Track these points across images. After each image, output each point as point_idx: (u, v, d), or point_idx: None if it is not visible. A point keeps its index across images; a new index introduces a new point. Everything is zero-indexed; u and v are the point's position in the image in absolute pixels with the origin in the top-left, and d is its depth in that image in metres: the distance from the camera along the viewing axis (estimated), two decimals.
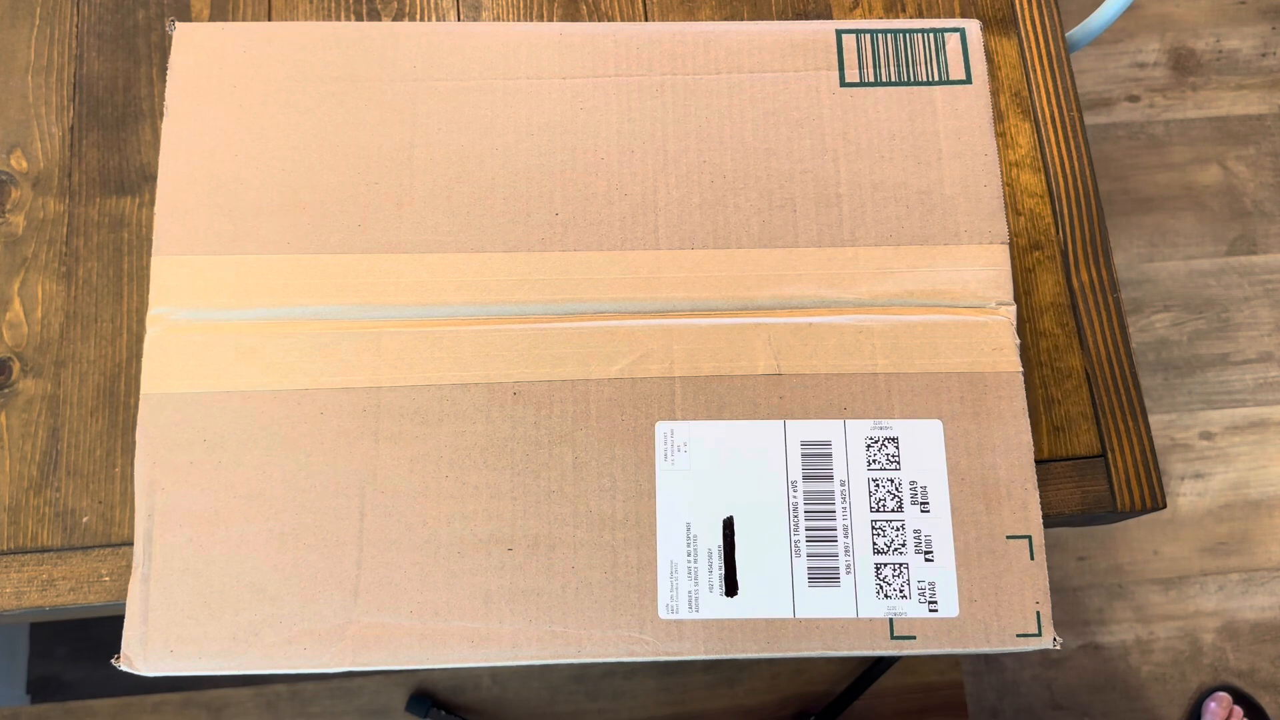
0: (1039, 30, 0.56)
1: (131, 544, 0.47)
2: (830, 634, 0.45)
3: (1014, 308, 0.49)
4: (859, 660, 1.04)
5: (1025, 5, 0.56)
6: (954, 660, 1.06)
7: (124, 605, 0.45)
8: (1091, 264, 0.52)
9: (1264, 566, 1.12)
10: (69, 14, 0.55)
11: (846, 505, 0.46)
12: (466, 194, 0.50)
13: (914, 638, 0.45)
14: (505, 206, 0.49)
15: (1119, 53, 1.27)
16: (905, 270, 0.49)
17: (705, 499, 0.46)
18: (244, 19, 0.56)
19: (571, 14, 0.56)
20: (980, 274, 0.49)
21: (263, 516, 0.45)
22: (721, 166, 0.50)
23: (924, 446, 0.47)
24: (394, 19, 0.56)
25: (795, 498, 0.46)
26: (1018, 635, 0.45)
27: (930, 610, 0.45)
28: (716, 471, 0.46)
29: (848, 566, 0.45)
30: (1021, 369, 0.48)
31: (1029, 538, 0.46)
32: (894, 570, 0.45)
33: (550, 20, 0.56)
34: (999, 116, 0.54)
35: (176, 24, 0.52)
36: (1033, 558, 0.45)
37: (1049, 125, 0.54)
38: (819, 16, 0.56)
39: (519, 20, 0.56)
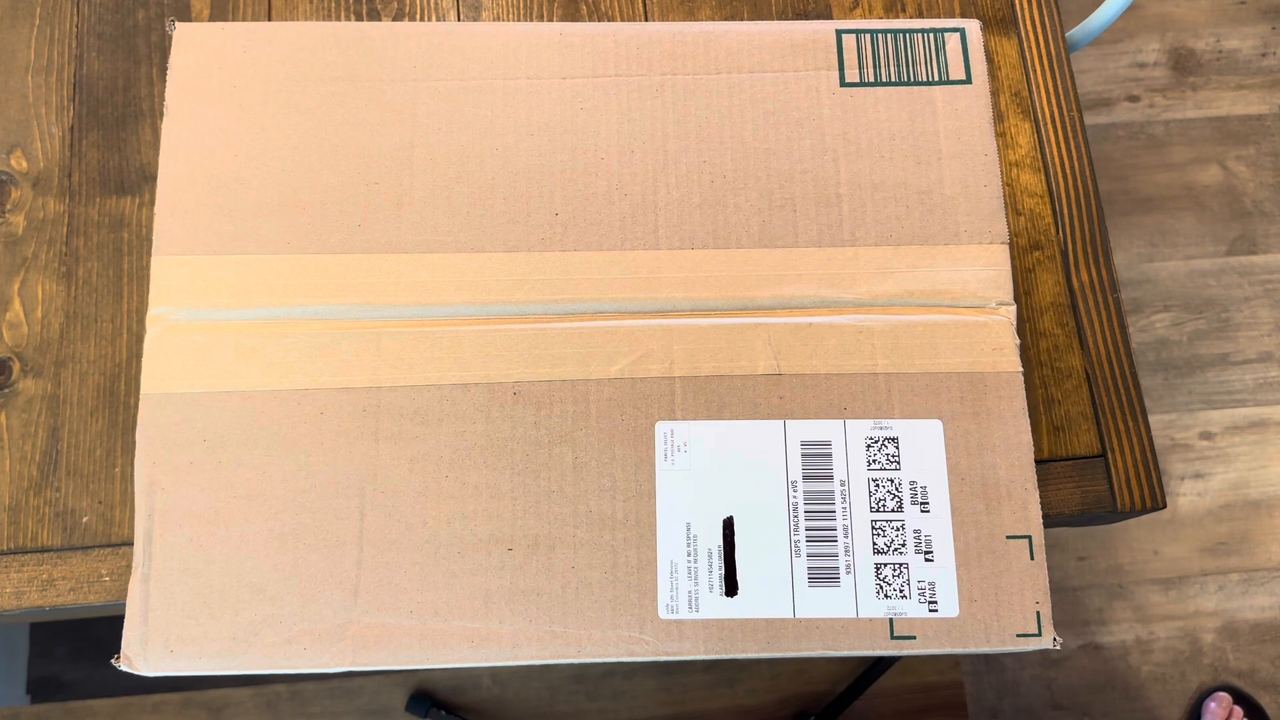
0: (1039, 30, 0.56)
1: (131, 544, 0.47)
2: (830, 634, 0.45)
3: (1014, 308, 0.49)
4: (859, 660, 1.04)
5: (1025, 5, 0.56)
6: (954, 660, 1.06)
7: (124, 605, 0.45)
8: (1091, 264, 0.52)
9: (1264, 566, 1.12)
10: (69, 14, 0.55)
11: (846, 505, 0.46)
12: (466, 194, 0.50)
13: (914, 638, 0.45)
14: (505, 206, 0.49)
15: (1119, 53, 1.27)
16: (905, 270, 0.49)
17: (705, 499, 0.46)
18: (244, 19, 0.56)
19: (571, 14, 0.56)
20: (980, 274, 0.49)
21: (263, 516, 0.45)
22: (721, 166, 0.50)
23: (924, 446, 0.47)
24: (394, 19, 0.56)
25: (795, 498, 0.46)
26: (1018, 635, 0.45)
27: (930, 610, 0.45)
28: (716, 471, 0.46)
29: (848, 566, 0.45)
30: (1021, 369, 0.48)
31: (1029, 538, 0.46)
32: (894, 570, 0.45)
33: (550, 20, 0.56)
34: (999, 116, 0.54)
35: (176, 24, 0.52)
36: (1033, 558, 0.45)
37: (1049, 125, 0.54)
38: (819, 16, 0.56)
39: (519, 20, 0.56)
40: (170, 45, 0.51)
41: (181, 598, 0.44)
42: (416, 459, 0.46)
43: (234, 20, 0.55)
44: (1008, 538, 0.46)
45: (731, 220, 0.50)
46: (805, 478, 0.46)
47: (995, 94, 0.55)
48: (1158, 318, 1.19)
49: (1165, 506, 0.50)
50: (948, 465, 0.46)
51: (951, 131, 0.51)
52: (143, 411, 0.46)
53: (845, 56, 0.52)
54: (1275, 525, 1.13)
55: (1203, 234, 1.21)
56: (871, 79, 0.52)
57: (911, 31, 0.53)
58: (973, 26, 0.53)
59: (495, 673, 1.02)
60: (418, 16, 0.56)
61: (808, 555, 0.45)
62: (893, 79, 0.52)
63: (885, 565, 0.45)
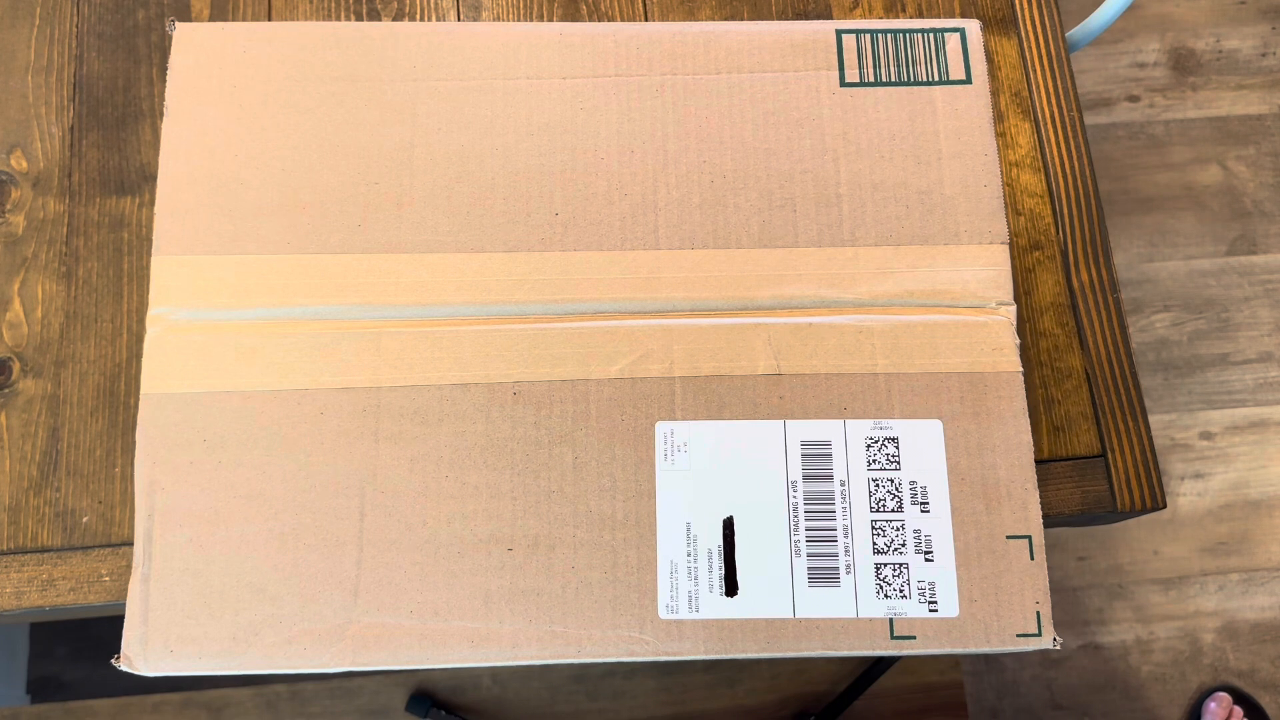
0: (1039, 30, 0.56)
1: (131, 544, 0.47)
2: (830, 634, 0.45)
3: (1014, 308, 0.49)
4: (859, 660, 1.04)
5: (1025, 5, 0.56)
6: (954, 660, 1.06)
7: (124, 605, 0.45)
8: (1091, 264, 0.52)
9: (1264, 566, 1.12)
10: (69, 14, 0.55)
11: (846, 505, 0.46)
12: (466, 194, 0.50)
13: (914, 638, 0.45)
14: (505, 206, 0.49)
15: (1119, 53, 1.27)
16: (905, 270, 0.49)
17: (705, 499, 0.46)
18: (244, 19, 0.56)
19: (571, 14, 0.56)
20: (980, 274, 0.49)
21: (263, 516, 0.45)
22: (721, 166, 0.50)
23: (924, 446, 0.47)
24: (394, 19, 0.56)
25: (795, 498, 0.46)
26: (1018, 635, 0.45)
27: (930, 610, 0.45)
28: (716, 471, 0.46)
29: (848, 566, 0.45)
30: (1021, 369, 0.48)
31: (1029, 538, 0.46)
32: (894, 570, 0.45)
33: (550, 20, 0.56)
34: (999, 116, 0.54)
35: (176, 24, 0.52)
36: (1033, 558, 0.45)
37: (1049, 125, 0.54)
38: (819, 16, 0.56)
39: (519, 20, 0.56)
40: (170, 45, 0.51)
41: (181, 598, 0.44)
42: (416, 459, 0.46)
43: (234, 20, 0.55)
44: (1008, 538, 0.46)
45: (731, 220, 0.50)
46: (805, 478, 0.46)
47: (995, 94, 0.55)
48: (1158, 318, 1.19)
49: (1165, 506, 0.50)
50: (948, 465, 0.46)
51: (951, 131, 0.51)
52: (143, 411, 0.46)
53: (845, 56, 0.52)
54: (1275, 525, 1.13)
55: (1203, 234, 1.21)
56: (871, 79, 0.52)
57: (911, 31, 0.53)
58: (973, 26, 0.53)
59: (495, 673, 1.02)
60: (418, 16, 0.56)
61: (808, 555, 0.45)
62: (893, 79, 0.52)
63: (885, 565, 0.45)
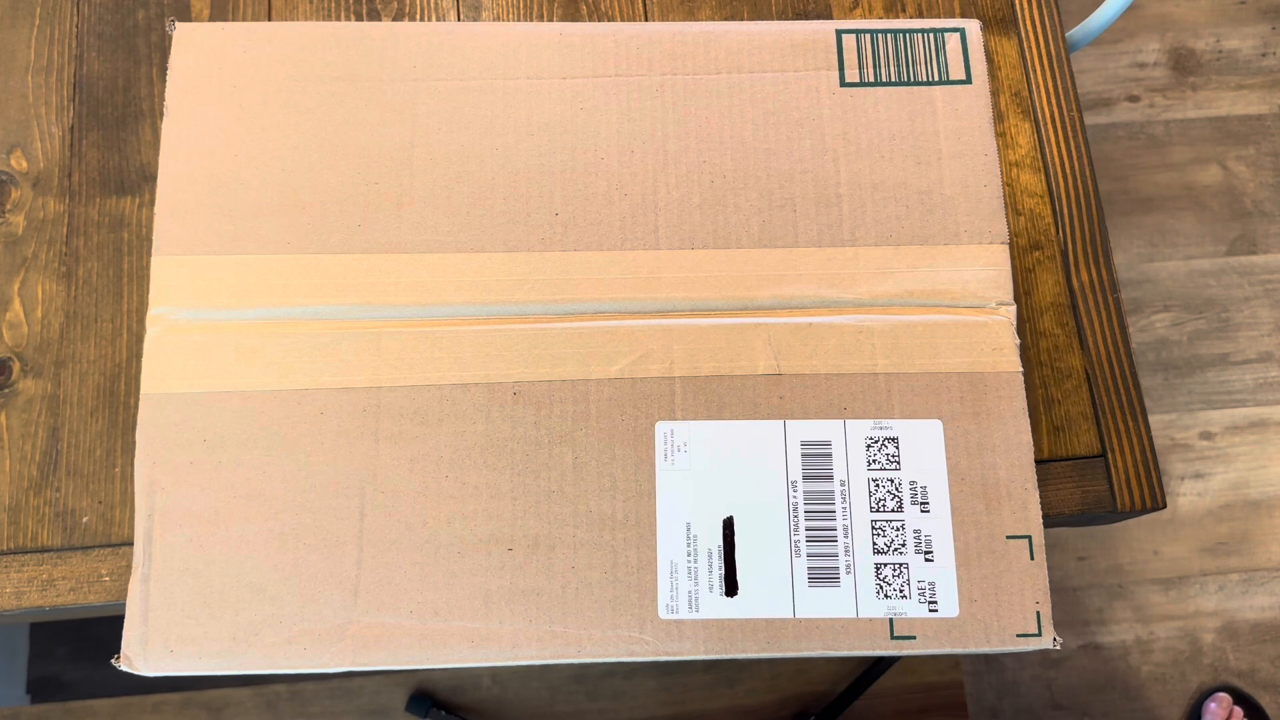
0: (1039, 30, 0.56)
1: (131, 544, 0.47)
2: (830, 634, 0.45)
3: (1014, 308, 0.49)
4: (859, 660, 1.04)
5: (1025, 5, 0.56)
6: (954, 660, 1.06)
7: (124, 605, 0.45)
8: (1091, 264, 0.52)
9: (1264, 566, 1.12)
10: (69, 14, 0.55)
11: (846, 505, 0.46)
12: (466, 194, 0.50)
13: (914, 638, 0.45)
14: (505, 206, 0.49)
15: (1119, 53, 1.27)
16: (905, 270, 0.49)
17: (705, 499, 0.46)
18: (244, 19, 0.56)
19: (571, 14, 0.56)
20: (980, 274, 0.49)
21: (263, 516, 0.45)
22: (721, 166, 0.50)
23: (924, 446, 0.47)
24: (394, 19, 0.56)
25: (795, 498, 0.46)
26: (1018, 635, 0.45)
27: (930, 610, 0.45)
28: (716, 471, 0.46)
29: (848, 566, 0.45)
30: (1021, 369, 0.48)
31: (1029, 538, 0.46)
32: (894, 570, 0.45)
33: (550, 20, 0.56)
34: (999, 116, 0.54)
35: (176, 24, 0.52)
36: (1033, 558, 0.45)
37: (1049, 125, 0.54)
38: (819, 16, 0.56)
39: (519, 20, 0.56)
40: (170, 45, 0.51)
41: (181, 598, 0.44)
42: (416, 459, 0.46)
43: (234, 20, 0.55)
44: (1008, 538, 0.46)
45: (731, 220, 0.50)
46: (805, 478, 0.46)
47: (995, 94, 0.55)
48: (1158, 318, 1.19)
49: (1165, 506, 0.50)
50: (948, 465, 0.46)
51: (951, 131, 0.51)
52: (143, 411, 0.46)
53: (845, 56, 0.52)
54: (1275, 525, 1.13)
55: (1203, 234, 1.21)
56: (871, 79, 0.52)
57: (911, 31, 0.53)
58: (973, 26, 0.53)
59: (495, 673, 1.02)
60: (418, 16, 0.56)
61: (808, 555, 0.45)
62: (893, 79, 0.52)
63: (885, 565, 0.45)
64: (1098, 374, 0.51)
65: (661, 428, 0.47)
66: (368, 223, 0.49)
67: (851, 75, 0.52)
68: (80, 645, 1.04)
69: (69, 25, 0.55)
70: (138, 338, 0.50)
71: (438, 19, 0.56)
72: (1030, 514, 0.46)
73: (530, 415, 0.47)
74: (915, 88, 0.52)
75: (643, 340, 0.48)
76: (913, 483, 0.46)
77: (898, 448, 0.47)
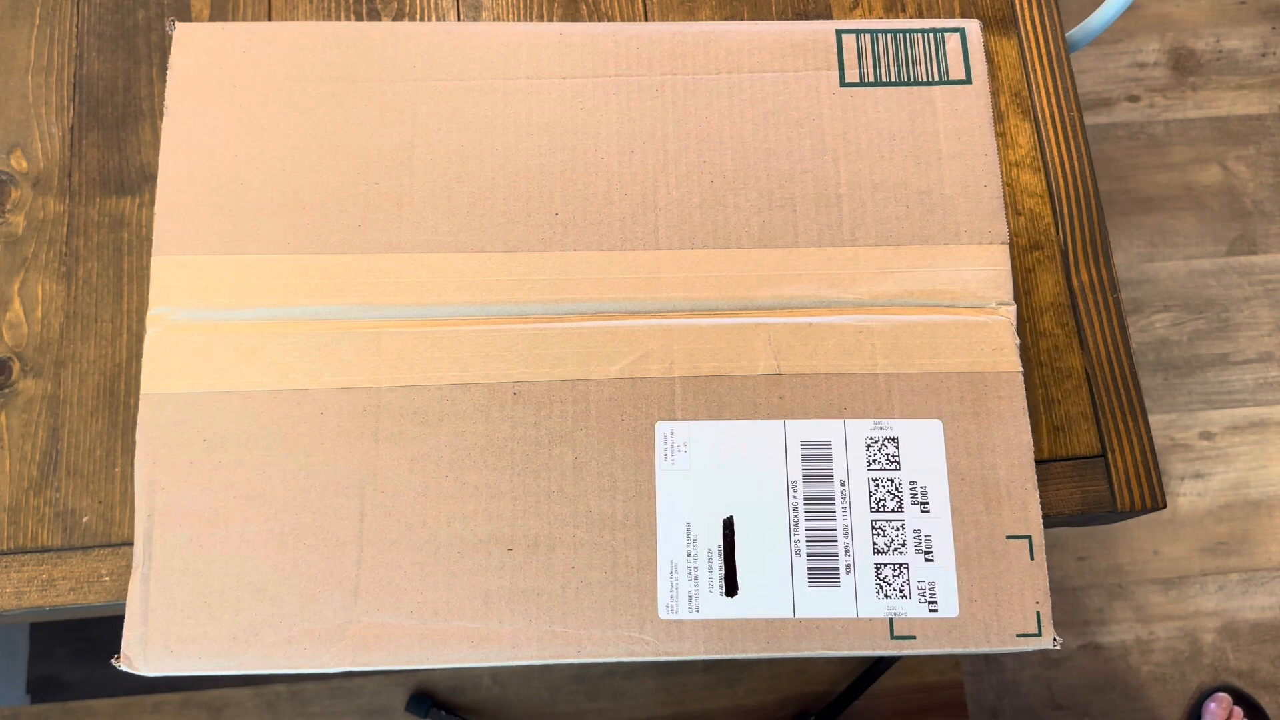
0: (1039, 30, 0.56)
1: (131, 544, 0.47)
2: (830, 634, 0.45)
3: (1014, 308, 0.49)
4: (859, 660, 1.04)
5: (1025, 5, 0.56)
6: (954, 660, 1.06)
7: (124, 605, 0.45)
8: (1091, 264, 0.52)
9: (1264, 566, 1.12)
10: (69, 14, 0.55)
11: (846, 505, 0.46)
12: (466, 194, 0.50)
13: (914, 638, 0.45)
14: (505, 206, 0.49)
15: (1119, 53, 1.27)
16: (905, 270, 0.49)
17: (705, 499, 0.46)
18: (244, 19, 0.56)
19: (571, 14, 0.56)
20: (980, 274, 0.49)
21: (263, 516, 0.45)
22: (721, 166, 0.50)
23: (924, 446, 0.47)
24: (394, 19, 0.56)
25: (795, 498, 0.46)
26: (1018, 635, 0.45)
27: (930, 610, 0.45)
28: (716, 471, 0.46)
29: (848, 566, 0.45)
30: (1021, 369, 0.48)
31: (1029, 538, 0.46)
32: (894, 570, 0.45)
33: (550, 20, 0.56)
34: (999, 116, 0.54)
35: (176, 24, 0.52)
36: (1033, 558, 0.45)
37: (1049, 125, 0.54)
38: (819, 16, 0.56)
39: (519, 20, 0.56)
40: (170, 45, 0.51)
41: (181, 598, 0.44)
42: (416, 459, 0.46)
43: (234, 20, 0.55)
44: (1008, 538, 0.46)
45: (731, 220, 0.50)
46: (805, 478, 0.46)
47: (995, 94, 0.55)
48: (1158, 318, 1.19)
49: (1165, 506, 0.50)
50: (948, 465, 0.46)
51: (951, 131, 0.51)
52: (143, 411, 0.46)
53: (845, 56, 0.52)
54: (1275, 525, 1.13)
55: (1203, 234, 1.21)
56: (871, 79, 0.52)
57: (911, 31, 0.53)
58: (973, 26, 0.53)
59: (495, 673, 1.02)
60: (418, 16, 0.56)
61: (808, 555, 0.45)
62: (893, 79, 0.52)
63: (885, 565, 0.45)
64: (1098, 374, 0.51)
65: (661, 428, 0.47)
66: (368, 223, 0.49)
67: (851, 75, 0.52)
68: (80, 645, 1.04)
69: (69, 25, 0.55)
70: (138, 338, 0.50)
71: (438, 19, 0.56)
72: (1030, 514, 0.46)
73: (530, 415, 0.47)
74: (915, 88, 0.52)
75: (643, 340, 0.48)
76: (913, 483, 0.46)
77: (898, 448, 0.47)
